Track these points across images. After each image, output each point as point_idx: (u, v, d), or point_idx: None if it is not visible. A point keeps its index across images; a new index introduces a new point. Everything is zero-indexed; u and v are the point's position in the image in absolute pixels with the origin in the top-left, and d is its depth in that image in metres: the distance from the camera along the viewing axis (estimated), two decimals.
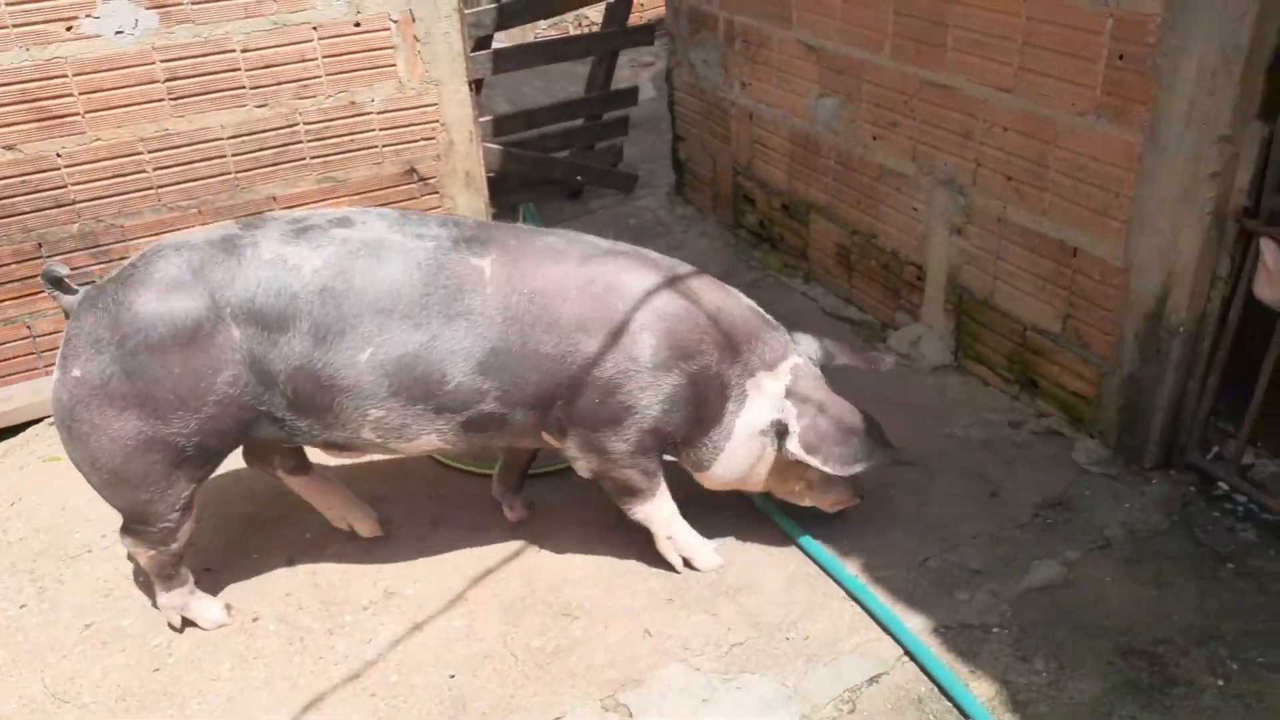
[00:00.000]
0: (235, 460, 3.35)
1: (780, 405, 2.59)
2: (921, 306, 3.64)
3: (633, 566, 2.86)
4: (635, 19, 6.62)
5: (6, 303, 3.81)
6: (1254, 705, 2.29)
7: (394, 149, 4.32)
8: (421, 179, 4.40)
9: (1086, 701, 2.32)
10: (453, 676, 2.57)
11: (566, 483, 3.19)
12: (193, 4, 3.75)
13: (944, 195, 3.37)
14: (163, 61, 3.76)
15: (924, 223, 3.50)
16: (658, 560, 2.86)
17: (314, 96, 4.08)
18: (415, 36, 4.16)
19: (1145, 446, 2.94)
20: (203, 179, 3.98)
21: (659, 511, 2.77)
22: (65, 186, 3.76)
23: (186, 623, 2.75)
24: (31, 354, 3.90)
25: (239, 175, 4.05)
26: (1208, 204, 2.54)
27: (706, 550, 2.84)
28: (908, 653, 2.49)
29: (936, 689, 2.40)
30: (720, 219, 4.87)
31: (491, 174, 5.01)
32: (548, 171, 5.02)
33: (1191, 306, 2.69)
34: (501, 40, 7.47)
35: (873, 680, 2.45)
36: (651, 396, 2.53)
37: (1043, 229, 3.03)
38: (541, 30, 7.77)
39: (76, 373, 2.36)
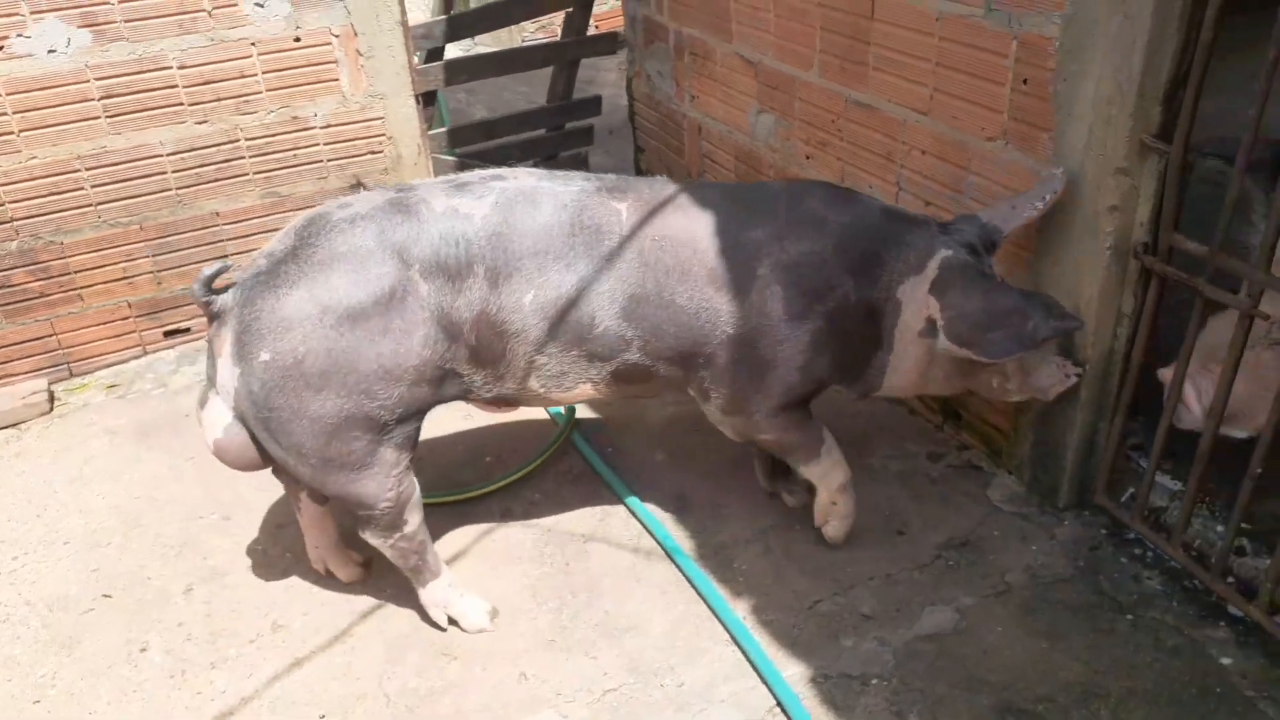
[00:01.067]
0: (146, 484, 3.38)
1: (926, 300, 2.45)
2: None
3: (522, 604, 2.80)
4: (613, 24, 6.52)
5: None
6: None
7: (339, 163, 4.30)
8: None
9: None
10: (323, 717, 2.52)
11: (461, 514, 3.14)
12: (126, 21, 3.74)
13: None
14: (97, 79, 3.76)
15: None
16: (545, 597, 2.79)
17: (255, 112, 4.06)
18: (358, 51, 4.12)
19: (1059, 485, 2.81)
20: (143, 196, 3.99)
21: (831, 476, 2.71)
22: (2, 204, 3.77)
23: (452, 622, 2.73)
24: None
25: (180, 191, 4.05)
26: (1108, 238, 2.40)
27: (849, 520, 2.80)
28: (779, 704, 2.39)
29: None
30: None
31: None
32: None
33: (1097, 344, 2.55)
34: (489, 44, 7.46)
35: None
36: (791, 348, 2.48)
37: None
38: (529, 34, 7.70)
39: (265, 356, 2.30)
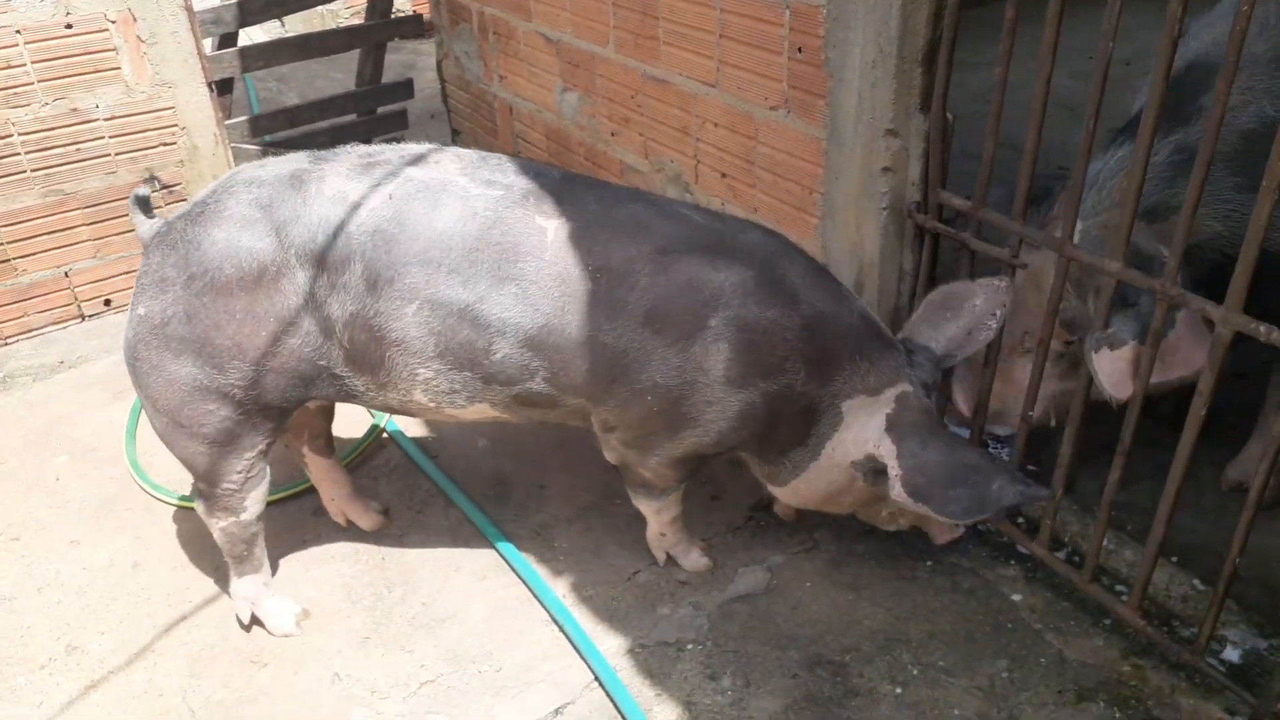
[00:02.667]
0: None
1: (878, 439, 2.22)
2: None
3: (335, 604, 2.71)
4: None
5: None
6: (927, 713, 2.26)
7: (129, 156, 4.05)
8: (165, 187, 4.14)
9: None
10: None
11: (271, 516, 3.01)
12: None
13: (674, 192, 3.28)
14: None
15: None
16: (359, 595, 2.71)
17: (28, 105, 3.79)
18: (139, 37, 3.89)
19: None
20: None
21: (666, 511, 2.58)
22: None
23: (255, 621, 2.61)
24: None
25: None
26: (884, 199, 2.49)
27: (694, 552, 2.69)
28: (596, 679, 2.39)
29: (619, 717, 2.30)
30: None
31: None
32: None
33: (883, 303, 2.64)
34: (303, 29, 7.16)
35: (558, 712, 2.35)
36: (717, 413, 2.23)
37: None
38: (344, 19, 7.45)
39: (141, 310, 2.26)
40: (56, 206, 3.94)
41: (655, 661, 2.44)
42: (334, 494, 2.88)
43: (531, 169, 2.32)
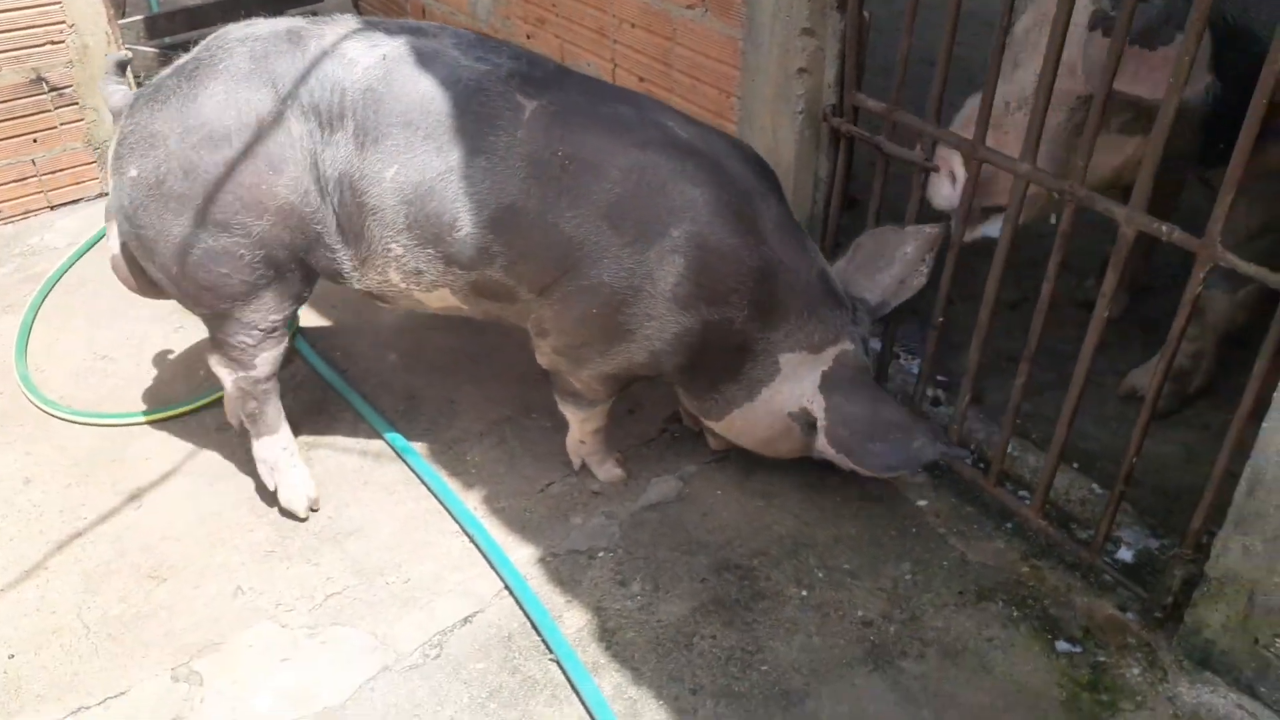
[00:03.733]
0: None
1: (813, 394, 2.28)
2: None
3: (239, 518, 2.64)
4: None
5: None
6: (830, 614, 2.29)
7: (12, 55, 3.81)
8: (54, 88, 3.91)
9: (672, 623, 2.28)
10: (12, 657, 2.30)
11: (174, 429, 2.91)
12: None
13: None
14: None
15: None
16: (264, 509, 2.64)
17: None
18: None
19: None
20: None
21: (591, 421, 2.55)
22: None
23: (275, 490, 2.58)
24: None
25: None
26: (799, 101, 2.44)
27: (609, 463, 2.66)
28: (506, 587, 2.38)
29: (528, 624, 2.29)
30: None
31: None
32: None
33: (798, 208, 2.61)
34: None
35: (466, 620, 2.33)
36: (655, 330, 2.21)
37: None
38: None
39: (132, 173, 2.23)
40: None
41: (566, 569, 2.43)
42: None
43: (526, 55, 2.29)
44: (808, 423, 2.31)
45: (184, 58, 2.29)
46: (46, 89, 3.89)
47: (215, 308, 2.37)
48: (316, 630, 2.32)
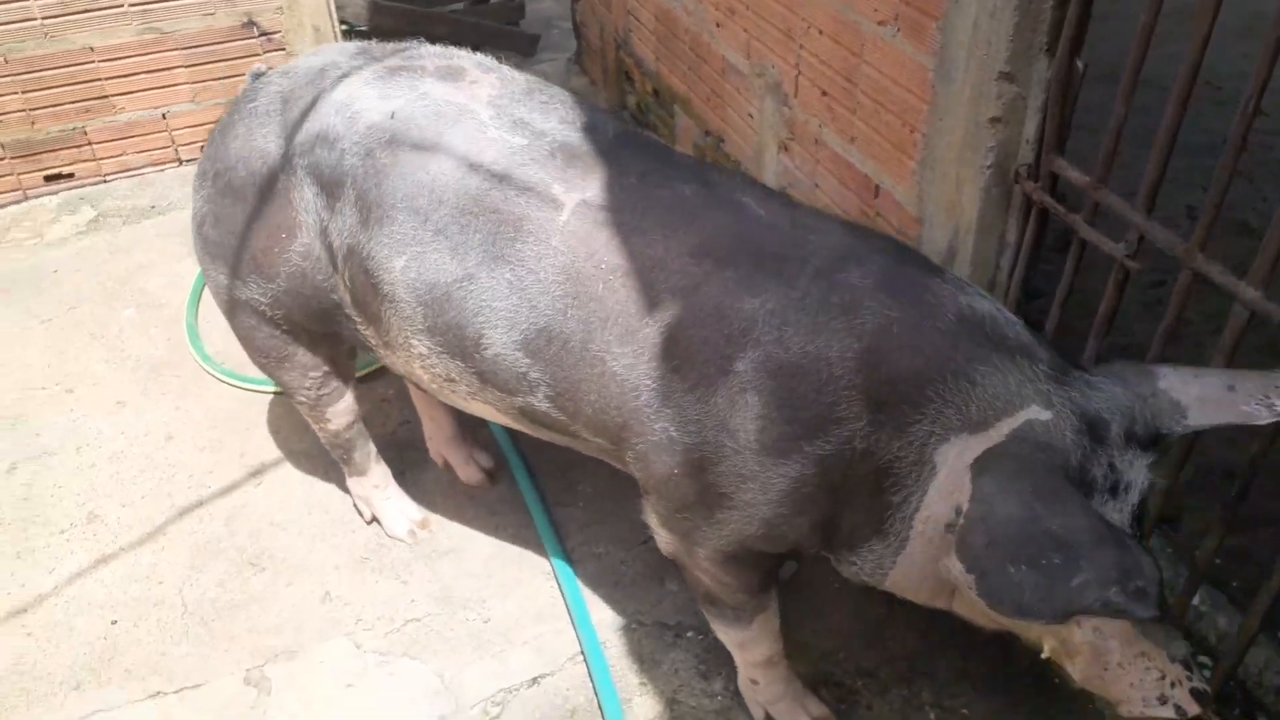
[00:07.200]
0: None
1: (964, 482, 1.46)
2: None
3: (345, 513, 2.61)
4: None
5: None
6: None
7: None
8: (263, 33, 3.98)
9: None
10: (114, 623, 2.38)
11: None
12: None
13: (772, 104, 2.85)
14: None
15: (758, 133, 2.99)
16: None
17: None
18: None
19: None
20: (3, 25, 3.61)
21: (752, 647, 1.94)
22: None
23: (375, 520, 2.56)
24: None
25: (47, 22, 3.68)
26: (989, 155, 2.03)
27: (806, 711, 2.02)
28: (582, 653, 2.21)
29: (595, 702, 2.12)
30: (608, 97, 4.34)
31: (363, 28, 4.55)
32: (429, 27, 4.51)
33: (977, 276, 2.21)
34: None
35: (535, 681, 2.19)
36: (758, 493, 1.60)
37: (851, 158, 2.53)
38: None
39: (193, 208, 2.14)
40: (154, 45, 3.84)
41: (649, 645, 2.23)
42: (432, 432, 2.66)
43: (582, 118, 1.83)
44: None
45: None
46: (256, 33, 3.95)
47: (255, 361, 2.27)
48: (387, 659, 2.25)
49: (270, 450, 2.79)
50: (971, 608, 1.57)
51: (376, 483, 2.50)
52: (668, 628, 2.26)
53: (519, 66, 4.74)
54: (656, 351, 1.61)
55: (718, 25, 3.07)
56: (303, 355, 2.17)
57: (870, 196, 2.48)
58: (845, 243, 1.63)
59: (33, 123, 3.80)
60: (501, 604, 2.35)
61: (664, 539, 1.85)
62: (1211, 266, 1.62)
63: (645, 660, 2.20)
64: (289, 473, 2.72)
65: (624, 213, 1.67)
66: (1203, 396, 1.46)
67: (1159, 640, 1.46)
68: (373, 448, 2.47)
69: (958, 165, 2.11)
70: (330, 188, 1.88)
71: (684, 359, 1.59)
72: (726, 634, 1.94)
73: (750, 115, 3.01)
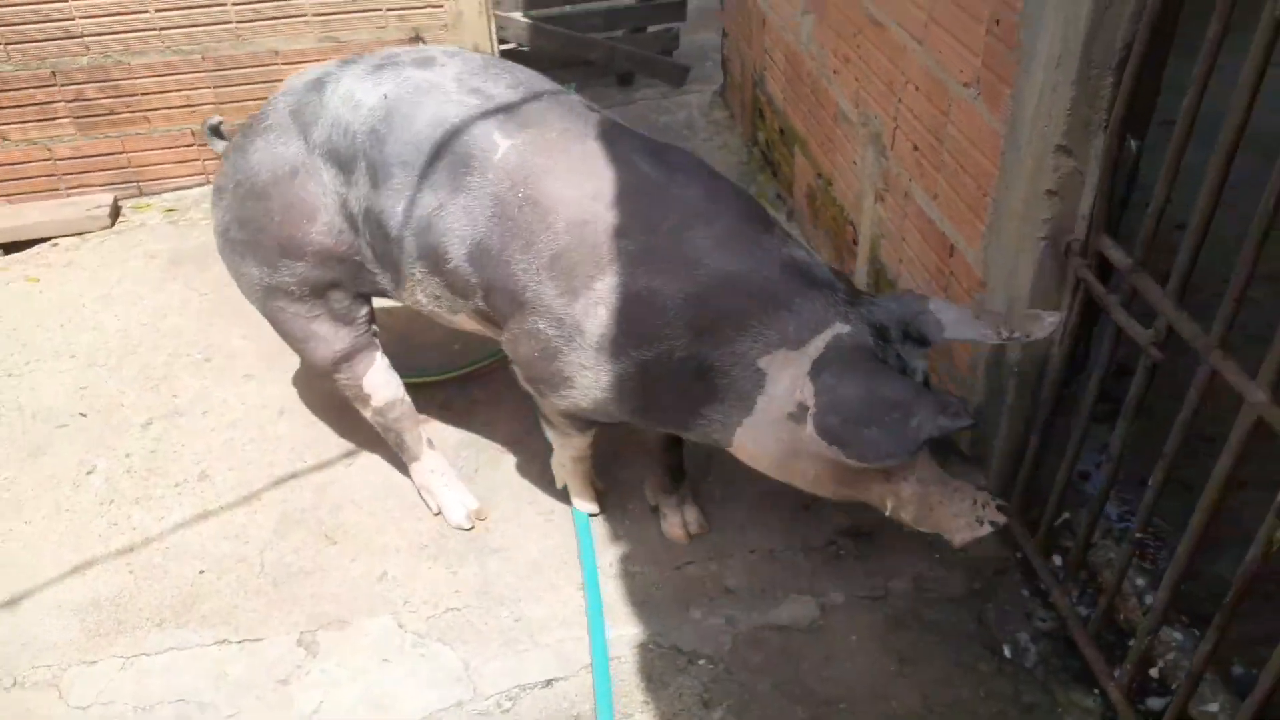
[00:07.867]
0: (156, 312, 3.54)
1: (803, 383, 1.92)
2: (854, 274, 3.18)
3: (417, 502, 2.80)
4: None
5: (29, 124, 4.11)
6: None
7: (399, 14, 4.22)
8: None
9: None
10: (201, 572, 2.65)
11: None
12: None
13: (872, 154, 2.87)
14: None
15: (859, 180, 3.01)
16: None
17: None
18: None
19: None
20: (203, 26, 4.06)
21: (568, 447, 2.56)
22: (73, 19, 3.93)
23: (440, 512, 2.75)
24: (52, 175, 4.22)
25: (240, 25, 4.09)
26: (1044, 228, 2.00)
27: (587, 496, 2.67)
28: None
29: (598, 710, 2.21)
30: (743, 131, 4.42)
31: (523, 49, 4.80)
32: (584, 52, 4.71)
33: (1028, 351, 2.17)
34: None
35: (548, 683, 2.30)
36: (591, 379, 2.16)
37: (932, 215, 2.52)
38: None
39: (215, 217, 2.56)
40: (331, 51, 4.20)
41: (660, 666, 2.31)
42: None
43: (526, 84, 2.31)
44: (804, 416, 1.93)
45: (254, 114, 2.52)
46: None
47: (288, 341, 2.64)
48: (423, 640, 2.42)
49: (366, 435, 3.01)
50: (818, 483, 2.03)
51: (433, 468, 2.73)
52: (681, 653, 2.33)
53: (665, 96, 4.90)
54: (545, 263, 2.11)
55: (834, 72, 3.11)
56: (324, 327, 2.56)
57: (946, 255, 2.47)
58: (701, 203, 2.09)
59: (221, 114, 4.22)
60: (534, 605, 2.47)
61: (524, 387, 2.40)
62: (1227, 365, 1.56)
63: (654, 680, 2.27)
64: (377, 460, 2.94)
65: (541, 156, 2.15)
66: (957, 319, 1.94)
67: (966, 477, 1.94)
68: (424, 433, 2.73)
69: (1018, 235, 2.09)
70: (346, 164, 2.32)
71: (562, 272, 2.10)
72: (552, 437, 2.55)
73: (854, 163, 3.03)
